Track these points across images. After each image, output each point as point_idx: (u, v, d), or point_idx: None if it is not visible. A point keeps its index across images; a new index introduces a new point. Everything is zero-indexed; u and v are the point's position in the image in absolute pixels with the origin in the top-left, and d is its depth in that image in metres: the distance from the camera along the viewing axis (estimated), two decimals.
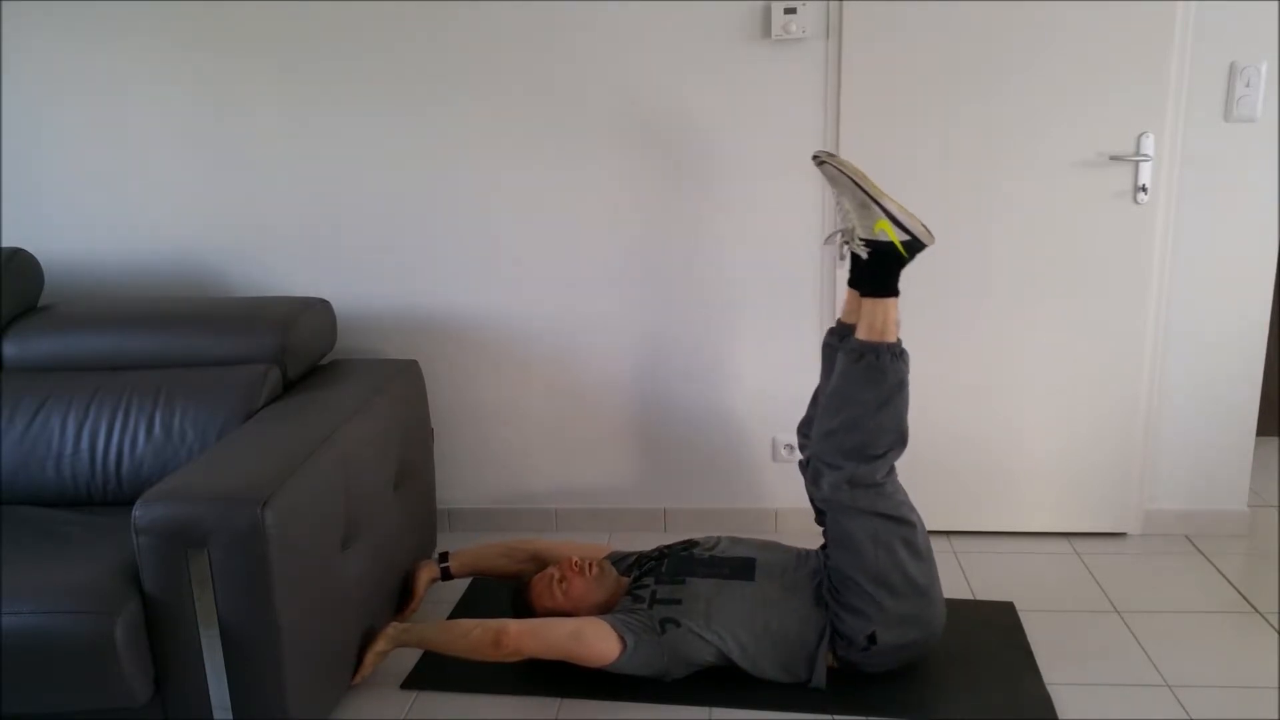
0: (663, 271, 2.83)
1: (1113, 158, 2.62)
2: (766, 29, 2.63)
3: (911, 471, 2.84)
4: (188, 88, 2.79)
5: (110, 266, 2.94)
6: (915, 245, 2.09)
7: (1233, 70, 2.56)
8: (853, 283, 2.19)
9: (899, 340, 2.10)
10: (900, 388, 2.09)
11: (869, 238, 2.09)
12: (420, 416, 2.67)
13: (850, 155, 2.67)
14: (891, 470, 2.15)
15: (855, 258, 2.14)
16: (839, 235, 2.18)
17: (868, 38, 2.60)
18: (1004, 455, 2.85)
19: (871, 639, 2.11)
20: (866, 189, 2.08)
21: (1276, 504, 3.07)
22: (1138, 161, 2.61)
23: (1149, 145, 2.60)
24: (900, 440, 2.12)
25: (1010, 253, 2.71)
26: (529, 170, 2.79)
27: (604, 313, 2.88)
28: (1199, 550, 2.79)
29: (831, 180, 2.14)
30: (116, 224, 2.91)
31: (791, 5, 2.58)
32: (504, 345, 2.93)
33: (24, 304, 2.60)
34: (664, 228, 2.80)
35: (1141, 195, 2.63)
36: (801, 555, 2.32)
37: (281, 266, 2.91)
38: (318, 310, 2.59)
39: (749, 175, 2.73)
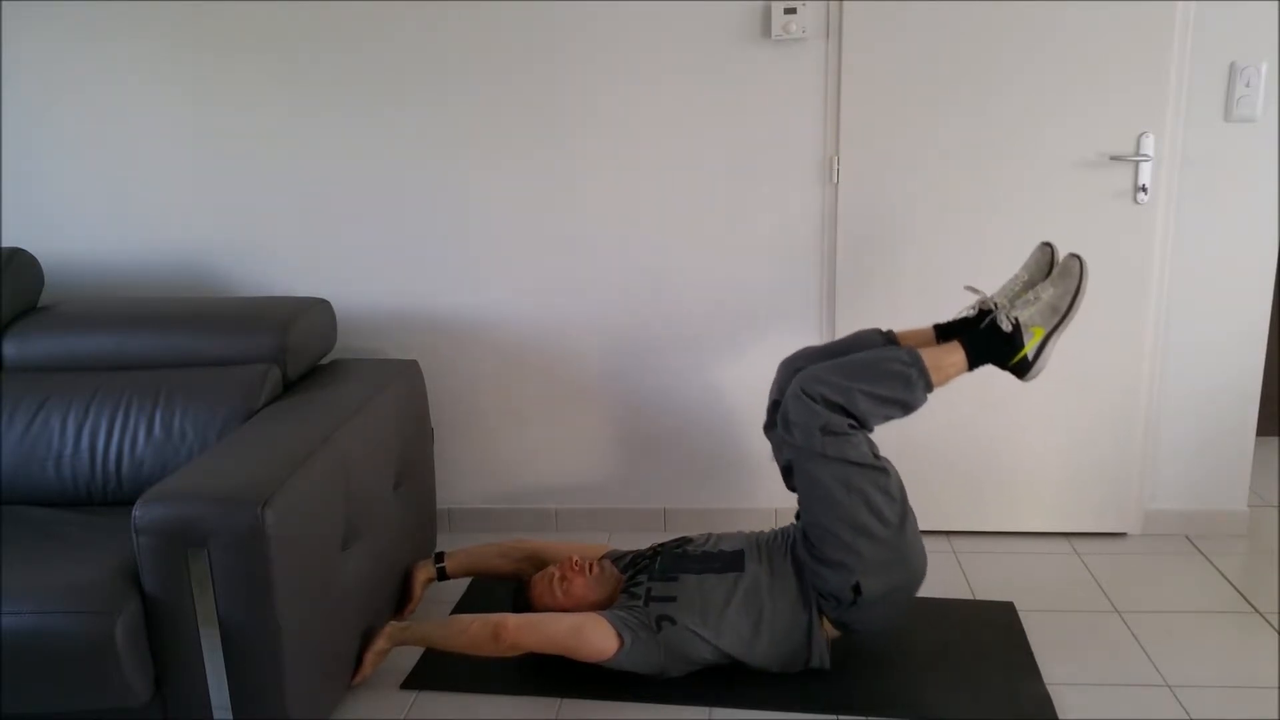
0: (662, 271, 2.83)
1: (1113, 158, 2.62)
2: (766, 29, 2.63)
3: (912, 472, 2.84)
4: (188, 88, 2.79)
5: (110, 266, 2.94)
6: (1024, 366, 2.15)
7: (1233, 70, 2.56)
8: (949, 329, 2.24)
9: (934, 388, 2.14)
10: (907, 408, 2.12)
11: (1022, 321, 2.14)
12: (420, 416, 2.67)
13: (850, 155, 2.67)
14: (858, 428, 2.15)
15: (989, 323, 2.16)
16: (992, 298, 2.21)
17: (868, 38, 2.60)
18: (1004, 455, 2.85)
19: (857, 590, 2.10)
20: (1075, 306, 2.13)
21: (1276, 504, 3.07)
22: (1138, 161, 2.61)
23: (1149, 145, 2.60)
24: (866, 424, 2.11)
25: (1010, 252, 2.69)
26: (529, 170, 2.79)
27: (603, 313, 2.88)
28: (1199, 550, 2.79)
29: (1063, 272, 2.16)
30: (116, 224, 2.91)
31: (791, 5, 2.58)
32: (504, 345, 2.93)
33: (24, 304, 2.60)
34: (663, 227, 2.80)
35: (1141, 195, 2.63)
36: (781, 532, 2.33)
37: (281, 266, 2.91)
38: (318, 310, 2.59)
39: (749, 175, 2.73)
